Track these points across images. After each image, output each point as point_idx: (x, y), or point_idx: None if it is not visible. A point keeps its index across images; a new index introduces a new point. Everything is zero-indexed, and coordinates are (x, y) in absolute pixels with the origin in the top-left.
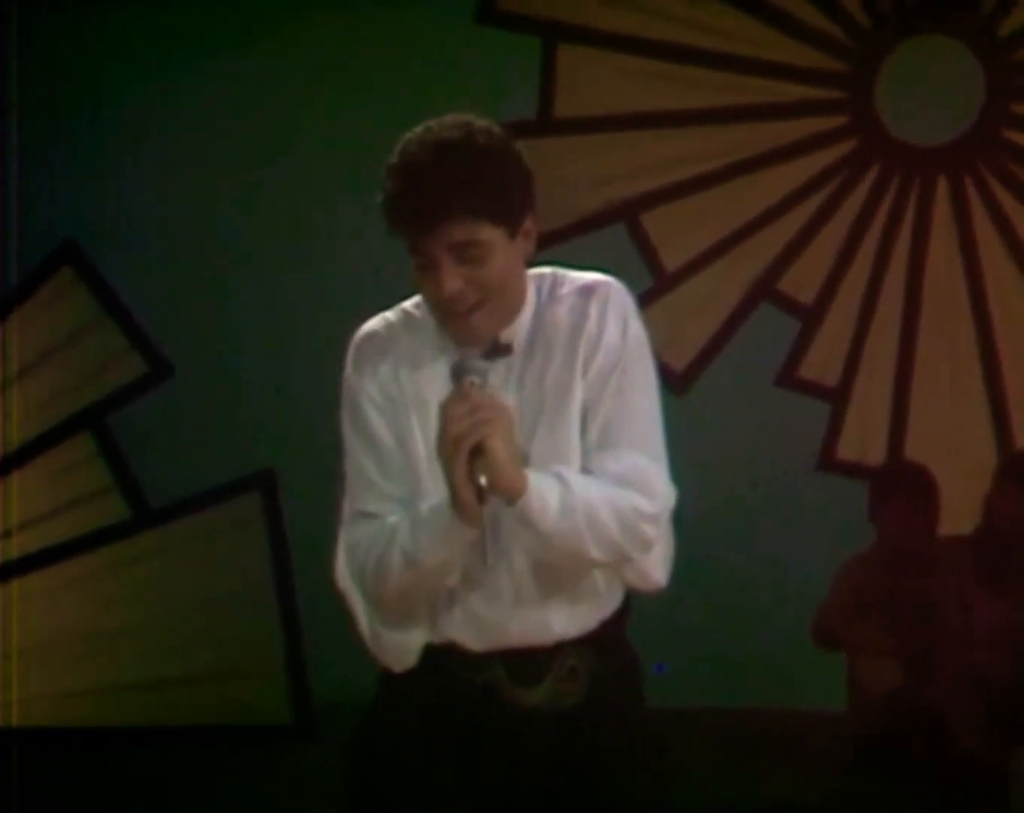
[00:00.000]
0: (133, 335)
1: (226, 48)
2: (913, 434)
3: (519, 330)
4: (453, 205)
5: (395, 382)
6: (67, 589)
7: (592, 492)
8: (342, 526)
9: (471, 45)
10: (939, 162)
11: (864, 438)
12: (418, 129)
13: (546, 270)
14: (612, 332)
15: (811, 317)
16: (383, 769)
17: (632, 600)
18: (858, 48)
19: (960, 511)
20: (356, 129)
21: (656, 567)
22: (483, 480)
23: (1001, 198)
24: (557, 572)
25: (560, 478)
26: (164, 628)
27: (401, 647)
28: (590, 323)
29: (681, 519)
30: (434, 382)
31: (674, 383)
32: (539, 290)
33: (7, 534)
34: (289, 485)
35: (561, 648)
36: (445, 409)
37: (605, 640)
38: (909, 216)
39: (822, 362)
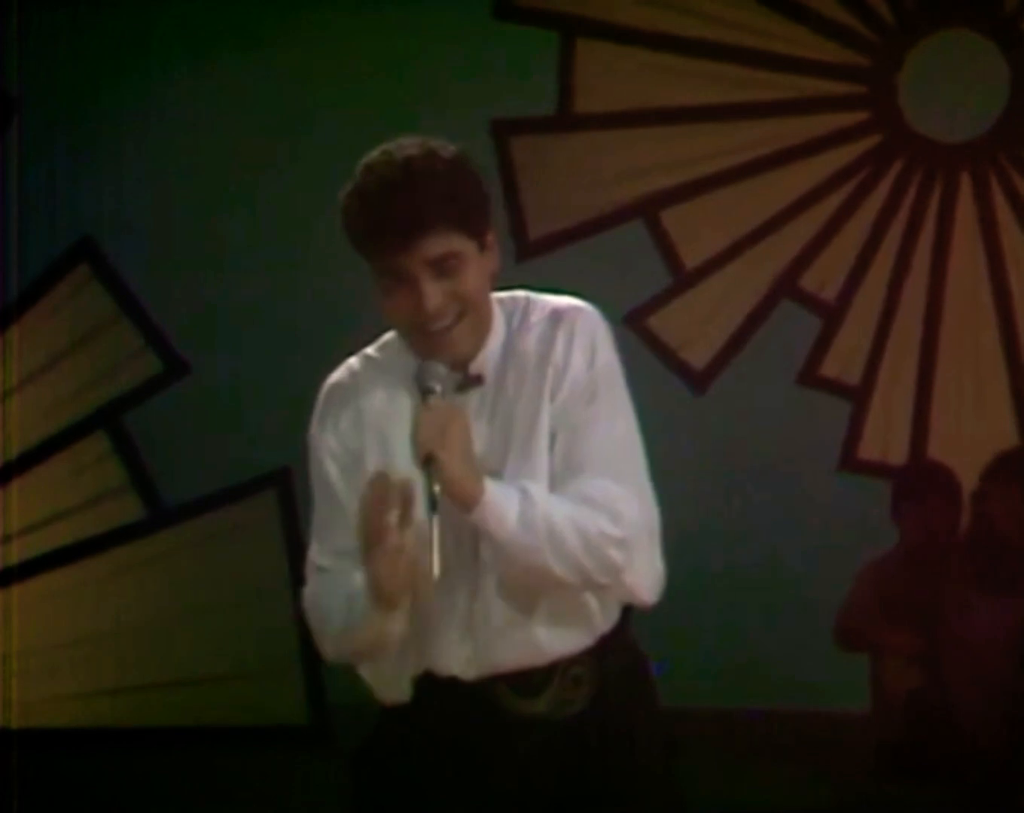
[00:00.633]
0: (149, 333)
1: (240, 44)
2: (935, 433)
3: (489, 359)
4: (430, 219)
5: (357, 433)
6: (83, 588)
7: (556, 508)
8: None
9: (489, 40)
10: (962, 158)
11: (886, 437)
12: (374, 153)
13: (519, 294)
14: (578, 360)
15: (833, 315)
16: (388, 785)
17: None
18: (881, 43)
19: None
20: (375, 126)
21: (644, 588)
22: (436, 488)
23: None
24: (538, 595)
25: (523, 491)
26: (179, 628)
27: (387, 684)
28: (556, 352)
29: (700, 518)
30: (400, 426)
31: (694, 381)
32: (511, 316)
33: (24, 532)
34: (305, 484)
35: (561, 659)
36: (413, 425)
37: (608, 646)
38: (932, 212)
39: (844, 360)
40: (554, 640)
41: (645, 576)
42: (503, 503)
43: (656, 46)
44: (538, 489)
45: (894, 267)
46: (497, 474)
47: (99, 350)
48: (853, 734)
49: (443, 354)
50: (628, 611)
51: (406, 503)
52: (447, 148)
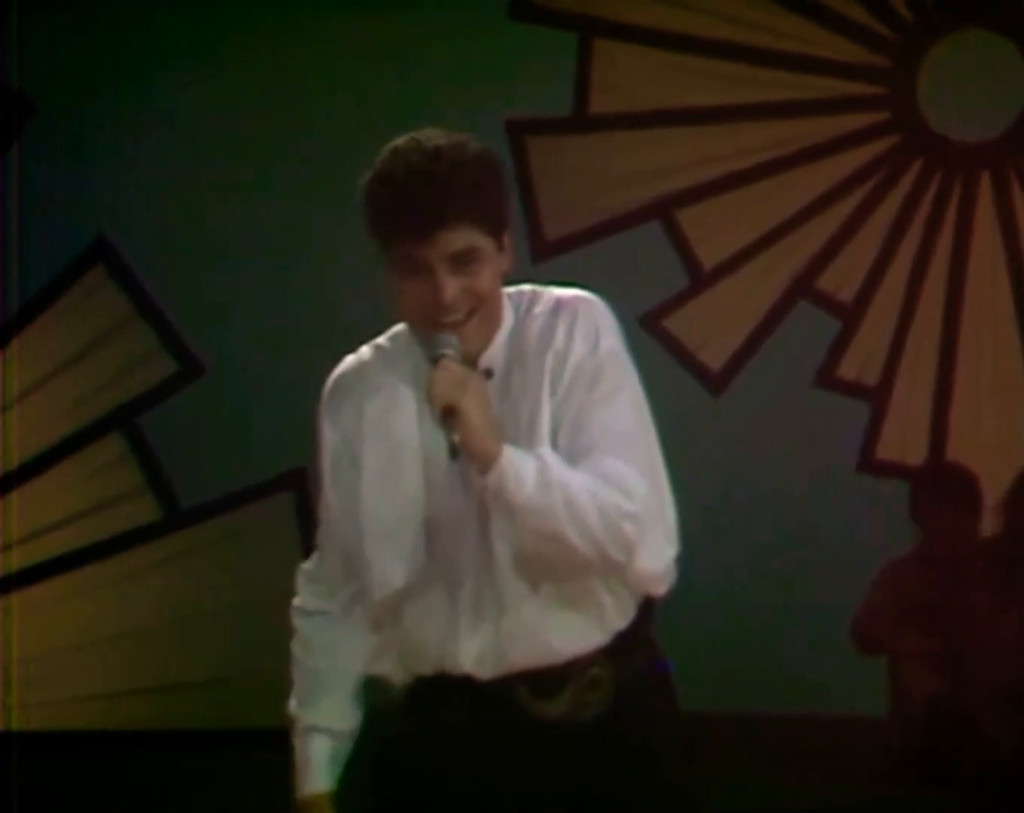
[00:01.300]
0: (164, 334)
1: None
2: (954, 434)
3: (497, 353)
4: (454, 212)
5: (357, 424)
6: (99, 590)
7: (572, 476)
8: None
9: (505, 40)
10: (982, 158)
11: (905, 439)
12: (400, 140)
13: (525, 288)
14: (579, 346)
15: (851, 315)
16: (406, 791)
17: (655, 603)
18: (900, 42)
19: None
20: (390, 125)
21: (654, 577)
22: (456, 437)
23: None
24: (549, 586)
25: (539, 456)
26: (195, 630)
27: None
28: (557, 339)
29: (717, 519)
30: (404, 416)
31: (711, 383)
32: (516, 308)
33: (38, 534)
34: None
35: (579, 659)
36: (427, 383)
37: (628, 646)
38: (951, 213)
39: (862, 361)
40: (567, 637)
41: (655, 562)
42: (521, 463)
43: (673, 46)
44: (554, 455)
45: (913, 267)
46: None
47: (114, 351)
48: (870, 738)
49: None
50: (647, 612)
51: None
52: (474, 142)
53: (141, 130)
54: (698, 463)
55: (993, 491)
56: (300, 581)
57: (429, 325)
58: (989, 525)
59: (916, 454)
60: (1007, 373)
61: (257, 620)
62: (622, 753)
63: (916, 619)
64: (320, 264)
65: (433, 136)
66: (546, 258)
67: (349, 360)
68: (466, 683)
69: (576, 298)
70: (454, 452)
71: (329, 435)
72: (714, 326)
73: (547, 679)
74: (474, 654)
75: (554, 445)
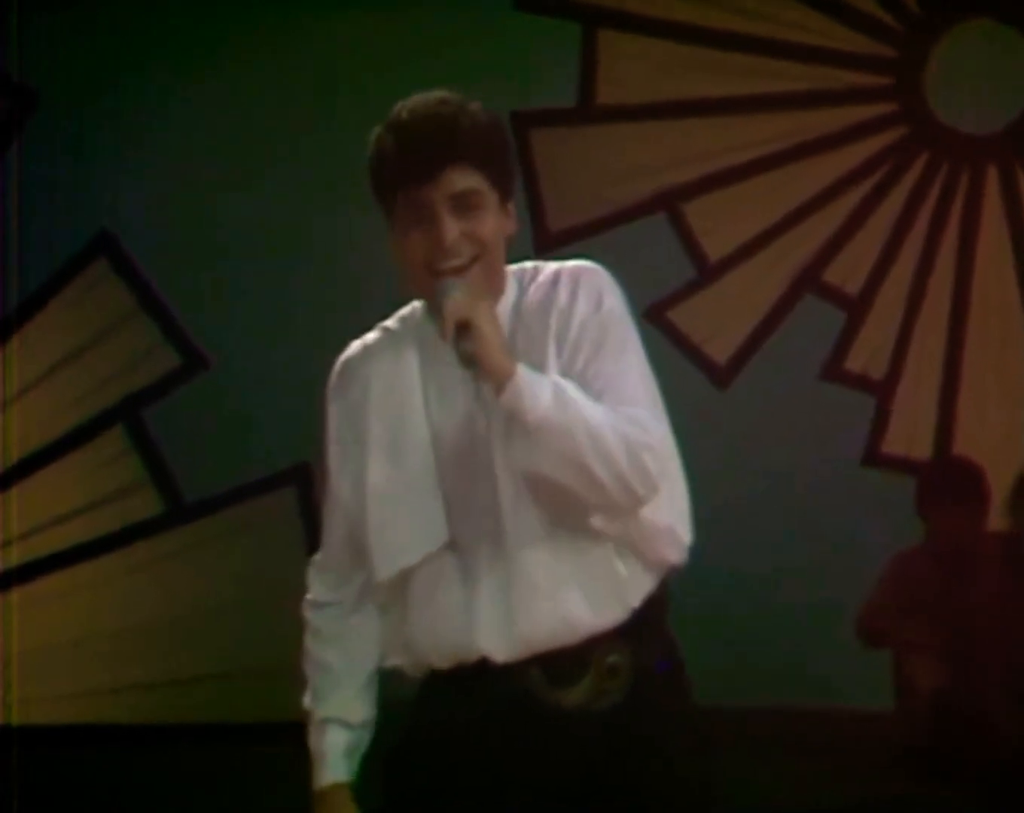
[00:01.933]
0: (168, 328)
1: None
2: (960, 428)
3: (501, 321)
4: (458, 150)
5: (363, 407)
6: (102, 584)
7: (590, 403)
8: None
9: (510, 32)
10: (989, 150)
11: (911, 432)
12: (409, 99)
13: (527, 263)
14: (583, 306)
15: (857, 308)
16: (422, 784)
17: (670, 594)
18: (907, 33)
19: None
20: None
21: (669, 540)
22: (471, 348)
23: None
24: (560, 560)
25: (554, 380)
26: (198, 624)
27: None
28: (560, 300)
29: (722, 513)
30: (411, 393)
31: (717, 376)
32: (520, 281)
33: (42, 528)
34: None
35: (597, 644)
36: (441, 307)
37: (644, 635)
38: (958, 205)
39: (868, 354)
40: (583, 609)
41: (668, 514)
42: (536, 381)
43: (679, 37)
44: (570, 383)
45: (919, 260)
46: None
47: (117, 345)
48: (875, 732)
49: None
50: (661, 596)
51: None
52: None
53: (142, 125)
54: (703, 456)
55: (999, 485)
56: (310, 574)
57: (431, 273)
58: (995, 519)
59: (922, 448)
60: (1014, 366)
61: (260, 615)
62: (637, 745)
63: (922, 613)
64: (325, 258)
65: (439, 94)
66: (551, 250)
67: (356, 344)
68: (480, 673)
69: (578, 265)
70: (469, 363)
71: (335, 416)
72: (720, 319)
73: (565, 665)
74: (488, 631)
75: None
